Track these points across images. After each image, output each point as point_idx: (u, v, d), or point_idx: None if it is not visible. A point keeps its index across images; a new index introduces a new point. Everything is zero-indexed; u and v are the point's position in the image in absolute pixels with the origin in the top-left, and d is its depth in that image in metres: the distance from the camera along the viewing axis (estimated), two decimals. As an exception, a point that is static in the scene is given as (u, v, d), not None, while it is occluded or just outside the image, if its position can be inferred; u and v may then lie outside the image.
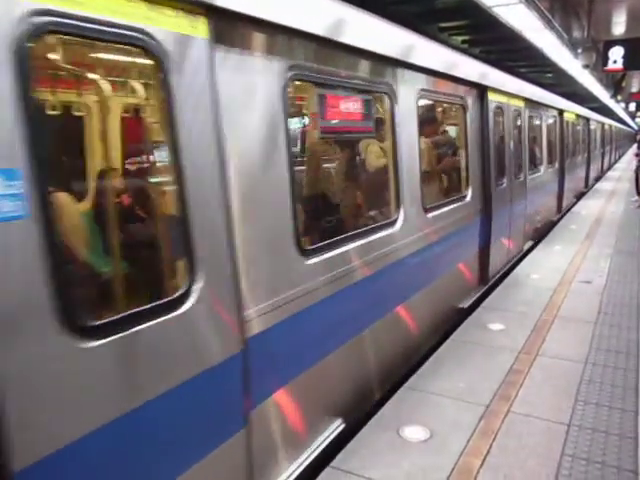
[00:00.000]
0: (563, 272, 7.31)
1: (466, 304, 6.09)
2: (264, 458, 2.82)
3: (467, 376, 4.27)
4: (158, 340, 2.09)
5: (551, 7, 8.08)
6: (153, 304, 2.12)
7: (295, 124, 6.28)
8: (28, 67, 1.68)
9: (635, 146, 15.37)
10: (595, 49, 10.77)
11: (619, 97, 21.51)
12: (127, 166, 3.87)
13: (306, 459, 3.14)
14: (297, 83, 3.57)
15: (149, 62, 2.15)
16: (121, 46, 2.07)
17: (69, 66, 3.00)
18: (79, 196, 3.49)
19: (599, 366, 4.41)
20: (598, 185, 19.44)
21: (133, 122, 3.80)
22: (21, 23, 1.66)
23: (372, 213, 4.82)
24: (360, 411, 3.84)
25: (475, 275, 6.49)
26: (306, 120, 6.30)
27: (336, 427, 3.49)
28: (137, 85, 3.19)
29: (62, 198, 2.83)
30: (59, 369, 1.74)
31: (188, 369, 2.24)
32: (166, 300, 2.19)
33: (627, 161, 23.25)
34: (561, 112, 12.00)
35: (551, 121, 11.24)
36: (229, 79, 2.55)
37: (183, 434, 2.25)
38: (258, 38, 2.78)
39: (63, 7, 1.77)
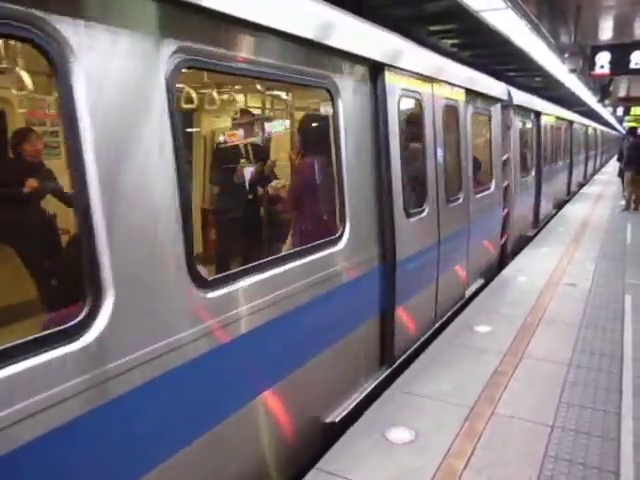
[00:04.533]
0: (549, 275, 7.37)
1: (342, 413, 3.74)
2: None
3: (452, 378, 4.30)
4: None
5: (539, 12, 8.15)
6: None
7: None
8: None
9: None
10: (582, 54, 10.87)
11: (606, 101, 21.71)
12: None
13: None
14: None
15: None
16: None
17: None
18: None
19: (583, 368, 4.45)
20: (585, 189, 19.60)
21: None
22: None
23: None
24: None
25: (370, 354, 4.25)
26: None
27: None
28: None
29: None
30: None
31: None
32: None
33: (614, 165, 23.43)
34: (538, 114, 10.85)
35: (523, 124, 9.82)
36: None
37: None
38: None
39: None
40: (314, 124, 4.85)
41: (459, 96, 5.99)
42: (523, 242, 9.72)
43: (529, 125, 10.43)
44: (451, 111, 5.84)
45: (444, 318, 5.66)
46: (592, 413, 3.75)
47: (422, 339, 5.06)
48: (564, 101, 17.38)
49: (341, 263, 3.63)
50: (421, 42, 5.36)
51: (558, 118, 13.75)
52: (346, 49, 3.59)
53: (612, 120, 37.62)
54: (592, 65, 10.20)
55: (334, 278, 3.56)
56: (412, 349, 4.83)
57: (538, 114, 10.80)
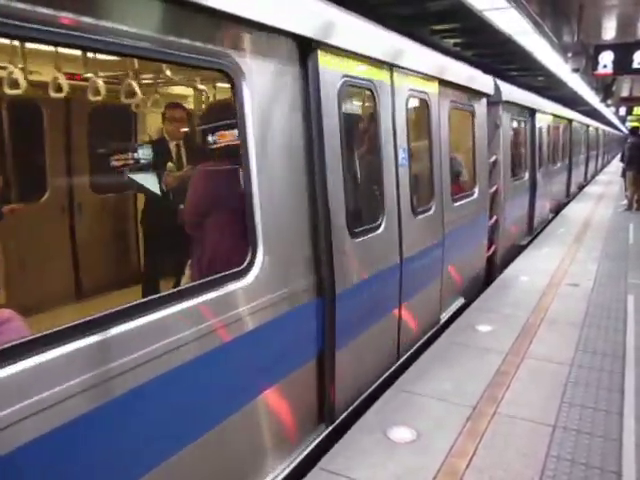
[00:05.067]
0: (551, 274, 7.37)
1: None
2: None
3: (454, 377, 4.29)
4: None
5: (541, 12, 8.13)
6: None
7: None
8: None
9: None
10: (585, 53, 10.84)
11: (609, 101, 21.67)
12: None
13: None
14: None
15: None
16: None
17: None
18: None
19: (585, 368, 4.45)
20: (587, 189, 19.56)
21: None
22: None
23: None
24: None
25: (303, 410, 3.38)
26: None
27: None
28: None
29: None
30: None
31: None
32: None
33: (617, 165, 23.41)
34: (533, 112, 10.04)
35: (515, 123, 9.10)
36: None
37: None
38: None
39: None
40: (213, 118, 3.52)
41: (430, 88, 5.07)
42: (516, 251, 9.01)
43: (522, 124, 9.66)
44: (419, 105, 5.10)
45: (411, 351, 4.80)
46: (594, 413, 3.75)
47: (378, 382, 4.18)
48: (567, 101, 17.34)
49: (249, 302, 2.75)
50: (423, 41, 5.32)
51: (555, 116, 12.94)
52: (254, 18, 2.69)
53: (615, 120, 37.56)
54: (595, 65, 10.18)
55: (236, 324, 2.68)
56: (362, 398, 3.92)
57: (533, 112, 10.06)
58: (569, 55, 10.32)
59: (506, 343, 4.98)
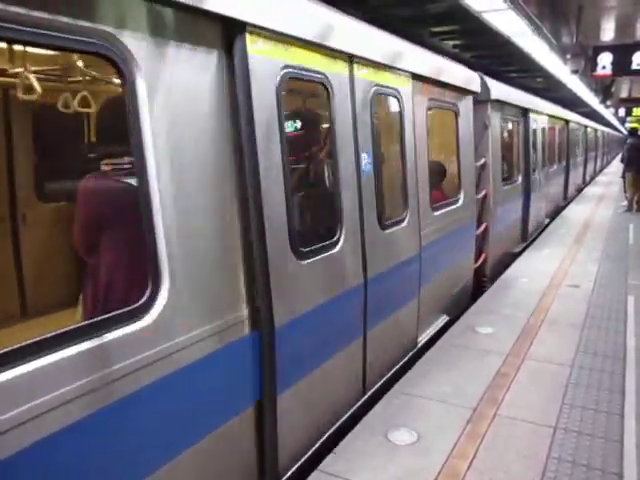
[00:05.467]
0: (552, 276, 7.36)
1: None
2: None
3: (455, 379, 4.28)
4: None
5: (540, 13, 8.14)
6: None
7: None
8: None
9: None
10: (584, 55, 10.86)
11: (608, 102, 21.70)
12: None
13: None
14: None
15: None
16: None
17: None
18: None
19: (586, 369, 4.44)
20: (586, 190, 19.55)
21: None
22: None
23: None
24: None
25: (235, 470, 2.82)
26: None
27: None
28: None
29: None
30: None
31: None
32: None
33: (617, 166, 23.41)
34: (525, 112, 9.48)
35: (506, 123, 8.62)
36: None
37: None
38: None
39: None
40: (103, 119, 2.96)
41: (401, 83, 4.48)
42: (509, 260, 8.52)
43: (514, 124, 9.15)
44: (388, 103, 4.62)
45: (381, 382, 4.23)
46: (595, 414, 3.74)
47: (337, 425, 3.61)
48: (566, 102, 17.36)
49: (150, 348, 2.19)
50: (423, 43, 5.30)
51: (551, 117, 12.40)
52: None
53: (614, 121, 37.59)
54: (594, 66, 10.21)
55: (134, 375, 2.12)
56: (314, 448, 3.35)
57: (526, 111, 9.49)
58: (568, 56, 10.34)
59: (506, 344, 4.97)
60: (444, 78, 5.40)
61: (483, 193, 7.20)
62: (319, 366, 3.35)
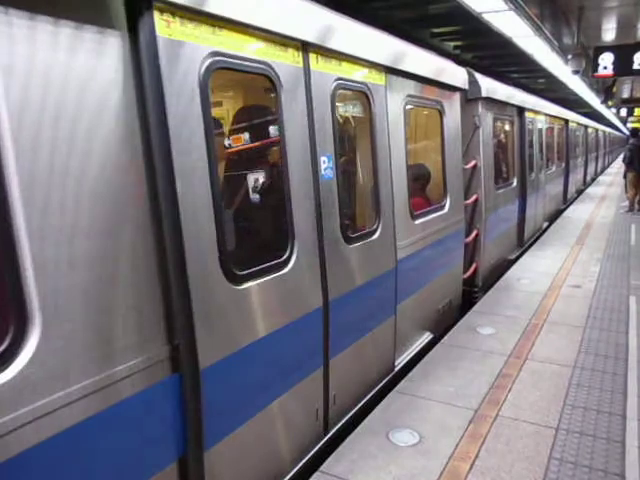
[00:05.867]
0: (553, 276, 7.36)
1: None
2: None
3: (456, 380, 4.28)
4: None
5: (541, 14, 8.15)
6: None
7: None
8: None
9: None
10: (585, 55, 10.86)
11: (610, 103, 21.68)
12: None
13: None
14: None
15: None
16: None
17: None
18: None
19: (588, 370, 4.44)
20: (588, 190, 19.51)
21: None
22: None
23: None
24: None
25: None
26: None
27: None
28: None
29: None
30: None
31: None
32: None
33: (618, 166, 23.39)
34: (521, 110, 8.85)
35: (499, 123, 8.13)
36: None
37: None
38: None
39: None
40: None
41: (372, 78, 3.97)
42: (504, 267, 8.03)
43: (509, 124, 8.62)
44: (356, 100, 4.20)
45: (347, 417, 3.75)
46: (597, 415, 3.74)
47: (292, 473, 3.16)
48: (568, 102, 17.36)
49: (13, 409, 1.72)
50: (424, 44, 5.30)
51: (549, 116, 11.81)
52: None
53: (616, 121, 37.56)
54: (595, 66, 10.19)
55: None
56: None
57: (521, 110, 8.85)
58: (569, 57, 10.33)
59: (508, 345, 4.97)
60: (426, 73, 4.81)
61: (474, 198, 6.75)
62: (263, 409, 2.87)
